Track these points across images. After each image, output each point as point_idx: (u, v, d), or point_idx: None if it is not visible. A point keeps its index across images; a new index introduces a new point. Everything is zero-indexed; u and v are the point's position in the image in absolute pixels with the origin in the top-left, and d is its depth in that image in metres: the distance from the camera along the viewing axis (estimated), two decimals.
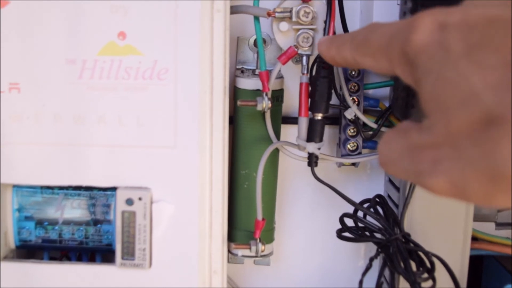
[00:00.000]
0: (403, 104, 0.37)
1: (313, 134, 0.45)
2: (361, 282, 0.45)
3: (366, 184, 0.55)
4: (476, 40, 0.22)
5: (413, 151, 0.25)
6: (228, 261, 0.50)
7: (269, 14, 0.43)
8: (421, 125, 0.25)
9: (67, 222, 0.44)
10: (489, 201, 0.23)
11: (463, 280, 0.48)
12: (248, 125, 0.48)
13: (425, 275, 0.43)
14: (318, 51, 0.36)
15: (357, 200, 0.48)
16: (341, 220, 0.47)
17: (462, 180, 0.23)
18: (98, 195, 0.44)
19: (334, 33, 0.44)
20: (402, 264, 0.44)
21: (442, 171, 0.23)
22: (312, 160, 0.46)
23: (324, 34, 0.44)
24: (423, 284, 0.43)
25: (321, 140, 0.45)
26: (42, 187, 0.44)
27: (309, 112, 0.45)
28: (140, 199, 0.42)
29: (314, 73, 0.45)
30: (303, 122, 0.45)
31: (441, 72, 0.23)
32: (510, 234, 0.52)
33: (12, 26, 0.41)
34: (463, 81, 0.22)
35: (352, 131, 0.50)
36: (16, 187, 0.44)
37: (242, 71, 0.50)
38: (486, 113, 0.21)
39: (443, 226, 0.47)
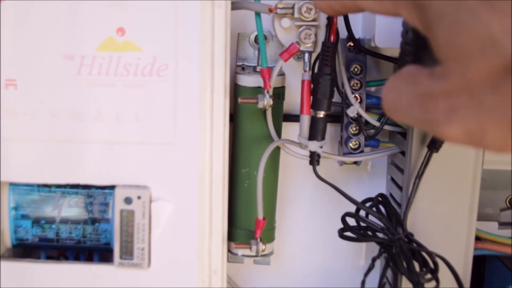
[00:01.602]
0: (411, 60, 0.36)
1: (315, 132, 0.44)
2: (363, 283, 0.45)
3: (368, 183, 0.55)
4: None
5: (425, 98, 0.25)
6: (228, 261, 0.49)
7: (270, 10, 0.43)
8: (432, 71, 0.25)
9: (64, 221, 0.43)
10: (507, 149, 0.22)
11: (466, 280, 0.47)
12: (249, 123, 0.47)
13: (429, 275, 0.43)
14: (315, 5, 0.35)
15: (359, 199, 0.47)
16: (343, 219, 0.46)
17: (480, 128, 0.22)
18: (96, 194, 0.43)
19: (337, 29, 0.43)
20: (405, 265, 0.43)
21: (458, 119, 0.23)
22: (314, 159, 0.45)
23: (326, 31, 0.43)
24: (427, 285, 0.42)
25: (323, 138, 0.44)
26: (39, 185, 0.43)
27: (311, 110, 0.44)
28: (139, 197, 0.41)
29: (316, 70, 0.44)
30: (305, 120, 0.44)
31: (456, 16, 0.23)
32: None
33: (9, 22, 0.40)
34: (481, 26, 0.22)
35: (354, 129, 0.49)
36: (13, 185, 0.43)
37: (243, 68, 0.49)
38: (505, 60, 0.21)
39: (446, 226, 0.47)
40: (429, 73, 0.25)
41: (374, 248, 0.51)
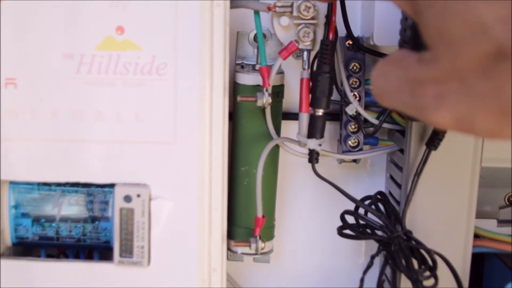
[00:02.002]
0: (411, 46, 0.37)
1: (314, 130, 0.44)
2: (362, 280, 0.45)
3: (367, 180, 0.55)
4: None
5: (414, 84, 0.25)
6: (228, 259, 0.50)
7: (269, 9, 0.43)
8: (421, 56, 0.25)
9: (64, 219, 0.44)
10: (497, 135, 0.22)
11: (465, 278, 0.47)
12: (248, 121, 0.47)
13: (427, 273, 0.43)
14: None
15: (358, 196, 0.47)
16: (342, 217, 0.47)
17: (470, 114, 0.22)
18: (96, 192, 0.43)
19: (336, 28, 0.43)
20: (403, 262, 0.43)
21: (448, 105, 0.23)
22: (313, 157, 0.45)
23: (325, 29, 0.43)
24: (425, 282, 0.42)
25: (322, 136, 0.45)
26: (39, 184, 0.43)
27: (310, 108, 0.44)
28: (138, 196, 0.41)
29: (315, 68, 0.45)
30: (304, 118, 0.44)
31: (446, 3, 0.22)
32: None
33: (9, 21, 0.40)
34: (471, 13, 0.21)
35: (353, 127, 0.49)
36: (13, 183, 0.43)
37: (242, 66, 0.49)
38: (496, 46, 0.21)
39: (445, 224, 0.47)
40: (418, 58, 0.25)
41: (373, 246, 0.51)
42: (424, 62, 0.24)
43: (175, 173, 0.42)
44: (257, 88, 0.46)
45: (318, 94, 0.43)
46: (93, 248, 0.45)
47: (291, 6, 0.43)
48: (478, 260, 0.53)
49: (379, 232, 0.46)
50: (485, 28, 0.21)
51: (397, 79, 0.26)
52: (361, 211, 0.47)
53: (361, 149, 0.50)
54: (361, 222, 0.46)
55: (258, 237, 0.47)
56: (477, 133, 0.23)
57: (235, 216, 0.49)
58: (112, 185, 0.42)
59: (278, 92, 0.47)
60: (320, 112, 0.44)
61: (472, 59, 0.22)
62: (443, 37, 0.23)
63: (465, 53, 0.22)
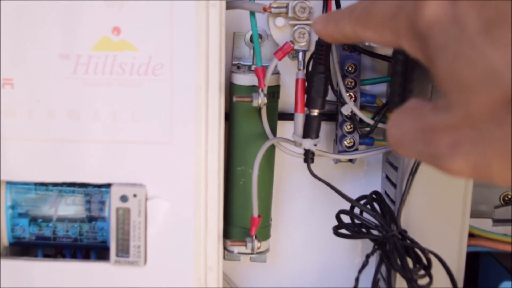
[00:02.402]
0: (400, 100, 0.37)
1: (310, 130, 0.44)
2: (357, 279, 0.45)
3: (362, 180, 0.55)
4: (490, 16, 0.21)
5: (429, 132, 0.24)
6: (224, 258, 0.50)
7: (265, 10, 0.43)
8: (435, 104, 0.24)
9: (61, 219, 0.44)
10: None
11: (460, 277, 0.47)
12: (244, 121, 0.47)
13: (422, 272, 0.43)
14: (314, 30, 0.34)
15: (354, 196, 0.48)
16: (338, 216, 0.47)
17: (485, 162, 0.22)
18: (93, 192, 0.43)
19: None
20: (398, 261, 0.44)
21: (462, 153, 0.23)
22: (308, 157, 0.46)
23: None
24: (420, 281, 0.43)
25: (317, 136, 0.45)
26: (36, 184, 0.43)
27: (306, 108, 0.44)
28: (134, 195, 0.41)
29: (310, 68, 0.45)
30: (299, 118, 0.45)
31: (457, 49, 0.22)
32: (507, 231, 0.52)
33: (6, 21, 0.40)
34: (482, 59, 0.21)
35: (348, 127, 0.50)
36: (10, 183, 0.43)
37: (238, 67, 0.50)
38: (508, 92, 0.21)
39: (440, 223, 0.47)
40: (432, 107, 0.25)
41: (369, 245, 0.51)
42: (438, 110, 0.24)
43: (171, 173, 0.42)
44: (252, 89, 0.46)
45: (314, 95, 0.44)
46: (90, 247, 0.45)
47: (287, 7, 0.43)
48: (473, 259, 0.53)
49: (374, 232, 0.46)
50: (496, 74, 0.21)
51: (411, 128, 0.25)
52: (357, 210, 0.47)
53: (356, 149, 0.50)
54: (357, 221, 0.46)
55: (254, 237, 0.48)
56: (494, 181, 0.22)
57: (231, 215, 0.49)
58: (108, 185, 0.42)
59: (273, 92, 0.48)
60: (315, 112, 0.44)
61: (485, 106, 0.21)
62: (456, 84, 0.22)
63: (477, 99, 0.22)
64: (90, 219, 0.44)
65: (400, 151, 0.27)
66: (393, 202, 0.49)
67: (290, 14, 0.43)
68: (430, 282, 0.43)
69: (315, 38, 0.44)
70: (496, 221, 0.53)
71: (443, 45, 0.23)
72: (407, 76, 0.38)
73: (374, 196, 0.48)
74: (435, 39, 0.23)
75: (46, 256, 0.46)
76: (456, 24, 0.22)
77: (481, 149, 0.22)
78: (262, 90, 0.44)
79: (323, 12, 0.43)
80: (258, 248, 0.48)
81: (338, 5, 0.47)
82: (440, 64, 0.23)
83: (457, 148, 0.23)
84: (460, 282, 0.47)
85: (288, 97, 0.51)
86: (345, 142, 0.50)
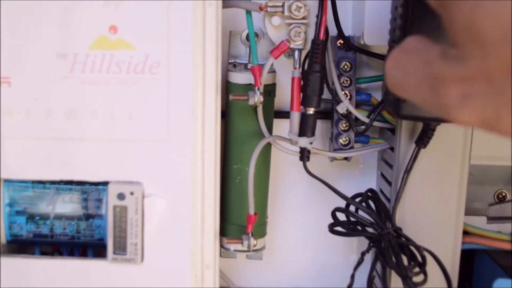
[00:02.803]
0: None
1: (305, 128, 0.45)
2: (353, 276, 0.46)
3: (358, 178, 0.55)
4: None
5: (437, 81, 0.24)
6: (221, 256, 0.50)
7: (261, 9, 0.43)
8: (445, 52, 0.24)
9: (58, 217, 0.44)
10: None
11: (454, 274, 0.48)
12: (240, 120, 0.48)
13: (417, 269, 0.44)
14: None
15: (350, 194, 0.48)
16: (333, 214, 0.47)
17: (496, 115, 0.22)
18: (90, 190, 0.44)
19: (327, 27, 0.44)
20: (393, 259, 0.44)
21: (473, 105, 0.23)
22: (304, 155, 0.46)
23: (316, 29, 0.44)
24: (415, 278, 0.43)
25: (313, 134, 0.45)
26: (33, 182, 0.43)
27: (301, 107, 0.45)
28: (131, 193, 0.42)
29: (306, 67, 0.45)
30: (295, 116, 0.45)
31: (479, 1, 0.22)
32: (501, 228, 0.53)
33: (3, 20, 0.40)
34: (506, 14, 0.21)
35: (344, 125, 0.50)
36: (7, 181, 0.43)
37: (234, 65, 0.50)
38: None
39: (434, 221, 0.48)
40: (441, 53, 0.24)
41: (365, 242, 0.51)
42: (449, 59, 0.24)
43: (168, 171, 0.42)
44: (249, 87, 0.46)
45: (309, 93, 0.44)
46: (87, 245, 0.45)
47: (283, 6, 0.44)
48: (468, 257, 0.53)
49: (369, 229, 0.46)
50: None
51: (417, 73, 0.25)
52: (352, 208, 0.47)
53: (352, 147, 0.50)
54: (352, 219, 0.47)
55: (250, 234, 0.48)
56: (503, 133, 0.23)
57: (228, 213, 0.50)
58: (105, 183, 0.42)
59: (270, 90, 0.48)
60: (311, 110, 0.44)
61: (503, 61, 0.21)
62: (474, 36, 0.22)
63: (496, 55, 0.21)
64: (87, 216, 0.44)
65: (401, 94, 0.26)
66: (388, 200, 0.49)
67: (286, 13, 0.44)
68: (425, 280, 0.43)
69: (311, 36, 0.44)
70: (491, 219, 0.54)
71: None
72: (406, 30, 0.36)
73: (369, 194, 0.48)
74: None
75: (44, 253, 0.46)
76: None
77: (494, 103, 0.22)
78: (258, 89, 0.44)
79: (318, 12, 0.43)
80: (255, 246, 0.48)
81: (333, 5, 0.47)
82: (458, 13, 0.23)
83: (468, 100, 0.23)
84: (454, 279, 0.48)
85: (284, 96, 0.52)
86: (340, 140, 0.50)
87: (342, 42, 0.49)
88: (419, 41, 0.25)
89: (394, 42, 0.38)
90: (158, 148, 0.42)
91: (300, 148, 0.46)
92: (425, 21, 0.34)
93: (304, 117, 0.45)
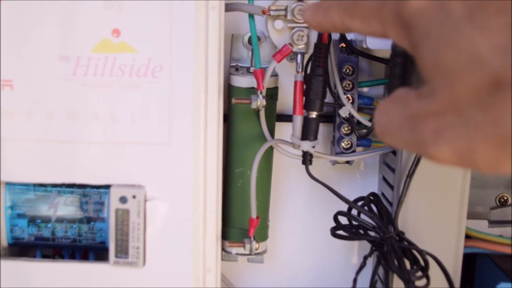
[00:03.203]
0: (400, 83, 0.37)
1: (308, 132, 0.45)
2: (355, 281, 0.45)
3: (360, 182, 0.55)
4: (476, 2, 0.21)
5: (414, 119, 0.24)
6: (222, 259, 0.50)
7: (264, 12, 0.43)
8: (420, 92, 0.24)
9: (60, 220, 0.44)
10: (497, 168, 0.22)
11: (456, 278, 0.48)
12: (243, 123, 0.48)
13: (419, 273, 0.44)
14: (303, 19, 0.34)
15: (351, 198, 0.48)
16: (335, 218, 0.47)
17: (469, 147, 0.22)
18: (92, 193, 0.44)
19: None
20: (396, 263, 0.44)
21: (446, 139, 0.23)
22: (307, 158, 0.46)
23: (319, 32, 0.44)
24: (417, 283, 0.43)
25: (315, 138, 0.45)
26: (35, 185, 0.43)
27: (304, 110, 0.45)
28: (134, 197, 0.42)
29: (309, 71, 0.45)
30: (298, 120, 0.45)
31: (442, 35, 0.22)
32: (503, 232, 0.53)
33: (6, 23, 0.40)
34: (467, 44, 0.21)
35: (346, 129, 0.50)
36: (9, 184, 0.43)
37: (237, 69, 0.50)
38: (493, 76, 0.21)
39: (437, 224, 0.47)
40: (417, 94, 0.25)
41: (366, 246, 0.51)
42: (423, 97, 0.24)
43: (170, 174, 0.42)
44: (251, 91, 0.46)
45: (312, 97, 0.44)
46: (88, 248, 0.45)
47: (285, 9, 0.44)
48: (470, 261, 0.53)
49: (371, 233, 0.46)
50: (482, 58, 0.21)
51: (397, 116, 0.25)
52: (354, 212, 0.47)
53: (354, 151, 0.50)
54: (354, 223, 0.47)
55: (252, 238, 0.48)
56: (478, 167, 0.22)
57: (230, 217, 0.49)
58: (107, 186, 0.42)
59: (272, 94, 0.48)
60: (313, 114, 0.44)
61: (469, 90, 0.21)
62: (440, 69, 0.22)
63: (461, 84, 0.21)
64: (89, 220, 0.44)
65: (386, 140, 0.26)
66: (390, 203, 0.49)
67: (288, 17, 0.44)
68: (428, 284, 0.43)
69: (313, 40, 0.44)
70: (492, 223, 0.54)
71: (427, 31, 0.23)
72: (406, 68, 0.37)
73: (371, 197, 0.48)
74: (420, 27, 0.23)
75: (45, 256, 0.46)
76: (441, 11, 0.22)
77: (465, 135, 0.22)
78: (261, 92, 0.44)
79: None
80: (257, 249, 0.48)
81: None
82: (424, 50, 0.23)
83: (442, 134, 0.23)
84: (456, 283, 0.48)
85: (286, 99, 0.52)
86: (342, 144, 0.50)
87: (344, 45, 0.49)
88: (403, 90, 0.26)
89: (395, 67, 0.38)
90: (160, 151, 0.42)
91: (303, 151, 0.46)
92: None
93: (306, 121, 0.45)
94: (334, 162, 0.52)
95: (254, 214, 0.47)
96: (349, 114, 0.49)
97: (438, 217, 0.47)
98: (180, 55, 0.41)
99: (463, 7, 0.22)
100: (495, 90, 0.21)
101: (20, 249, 0.46)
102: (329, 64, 0.46)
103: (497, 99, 0.21)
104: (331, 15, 0.30)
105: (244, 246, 0.48)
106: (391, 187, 0.50)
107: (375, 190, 0.54)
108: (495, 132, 0.21)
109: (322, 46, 0.43)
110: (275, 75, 0.48)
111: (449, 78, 0.22)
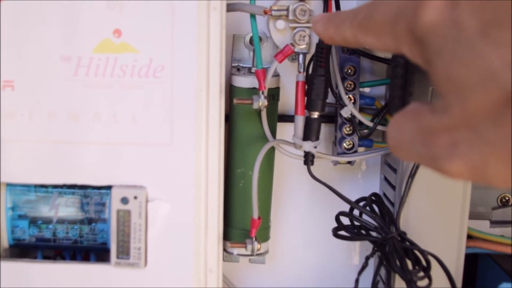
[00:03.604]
0: (401, 103, 0.37)
1: (310, 132, 0.45)
2: (357, 281, 0.45)
3: (361, 182, 0.55)
4: (489, 18, 0.21)
5: (427, 134, 0.24)
6: (224, 260, 0.50)
7: (265, 12, 0.43)
8: (433, 106, 0.25)
9: (61, 221, 0.44)
10: (510, 183, 0.22)
11: (458, 278, 0.48)
12: (244, 124, 0.48)
13: (421, 273, 0.43)
14: (314, 30, 0.34)
15: (353, 198, 0.48)
16: (337, 218, 0.47)
17: (482, 163, 0.22)
18: (93, 194, 0.43)
19: None
20: (398, 263, 0.44)
21: (460, 154, 0.23)
22: (308, 159, 0.46)
23: None
24: (419, 283, 0.43)
25: (317, 138, 0.45)
26: (36, 186, 0.43)
27: (306, 111, 0.45)
28: (135, 197, 0.41)
29: (310, 71, 0.45)
30: (300, 120, 0.45)
31: (455, 51, 0.22)
32: (504, 232, 0.53)
33: (7, 23, 0.40)
34: (480, 60, 0.21)
35: (348, 129, 0.50)
36: (10, 185, 0.43)
37: (238, 69, 0.50)
38: (506, 92, 0.21)
39: (438, 225, 0.47)
40: (431, 109, 0.25)
41: (368, 247, 0.51)
42: (436, 111, 0.24)
43: (171, 175, 0.42)
44: (253, 91, 0.46)
45: (314, 97, 0.44)
46: (89, 249, 0.45)
47: (287, 9, 0.43)
48: (472, 261, 0.53)
49: (373, 233, 0.46)
50: (494, 74, 0.21)
51: (410, 131, 0.25)
52: (356, 212, 0.47)
53: (355, 151, 0.50)
54: (356, 223, 0.47)
55: (254, 238, 0.48)
56: (491, 182, 0.23)
57: (231, 217, 0.49)
58: (108, 187, 0.42)
59: (274, 94, 0.48)
60: (315, 114, 0.44)
61: (482, 106, 0.21)
62: (453, 85, 0.23)
63: (474, 100, 0.22)
64: (90, 221, 0.44)
65: (399, 155, 0.27)
66: (392, 204, 0.49)
67: (290, 17, 0.44)
68: (430, 284, 0.43)
69: (315, 40, 0.44)
70: (494, 223, 0.54)
71: (441, 47, 0.23)
72: (407, 78, 0.38)
73: (373, 198, 0.48)
74: (433, 43, 0.24)
75: (46, 258, 0.46)
76: (455, 27, 0.22)
77: (478, 150, 0.22)
78: (263, 92, 0.44)
79: None
80: (258, 250, 0.48)
81: (338, 8, 0.47)
82: (438, 66, 0.23)
83: (455, 149, 0.23)
84: (458, 283, 0.48)
85: (288, 99, 0.52)
86: (344, 144, 0.50)
87: None
88: (416, 104, 0.26)
89: (396, 78, 0.38)
90: (161, 152, 0.42)
91: (305, 152, 0.45)
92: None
93: (308, 121, 0.44)
94: (336, 163, 0.52)
95: (255, 215, 0.47)
96: (351, 114, 0.49)
97: (440, 217, 0.47)
98: (181, 55, 0.41)
99: (476, 23, 0.22)
100: (507, 106, 0.21)
101: (21, 250, 0.46)
102: (330, 64, 0.46)
103: (509, 115, 0.21)
104: (343, 30, 0.30)
105: (245, 247, 0.48)
106: (393, 187, 0.50)
107: (377, 190, 0.54)
108: (507, 148, 0.21)
109: (323, 46, 0.43)
110: (276, 75, 0.48)
111: (463, 94, 0.22)
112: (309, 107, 0.44)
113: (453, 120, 0.23)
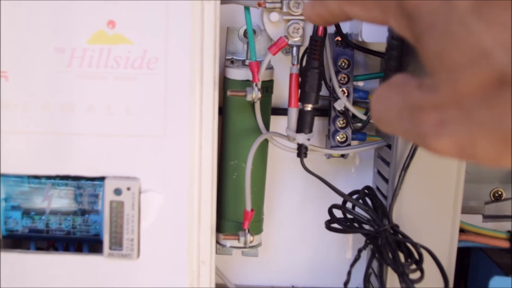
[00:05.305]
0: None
1: (303, 125, 0.45)
2: (349, 273, 0.46)
3: (354, 175, 0.55)
4: None
5: (415, 110, 0.24)
6: (217, 253, 0.50)
7: (259, 5, 0.43)
8: (421, 82, 0.24)
9: (54, 212, 0.44)
10: (498, 162, 0.22)
11: (450, 271, 0.48)
12: (238, 116, 0.48)
13: (413, 266, 0.44)
14: (304, 16, 0.34)
15: (346, 191, 0.48)
16: (330, 211, 0.47)
17: (471, 141, 0.22)
18: (86, 185, 0.43)
19: None
20: (390, 255, 0.44)
21: (448, 133, 0.23)
22: (302, 151, 0.46)
23: (314, 25, 0.44)
24: (411, 276, 0.43)
25: (310, 131, 0.45)
26: (29, 177, 0.43)
27: (299, 103, 0.45)
28: (128, 189, 0.42)
29: (304, 64, 0.45)
30: (293, 113, 0.45)
31: (447, 28, 0.22)
32: (497, 226, 0.53)
33: (1, 14, 0.40)
34: (472, 38, 0.21)
35: (341, 122, 0.50)
36: (3, 176, 0.43)
37: (232, 62, 0.50)
38: (497, 73, 0.21)
39: (431, 218, 0.48)
40: (418, 84, 0.24)
41: (360, 240, 0.51)
42: (424, 88, 0.24)
43: (165, 166, 0.42)
44: (246, 83, 0.46)
45: (307, 89, 0.44)
46: (82, 240, 0.45)
47: (281, 2, 0.43)
48: (464, 254, 0.53)
49: (366, 226, 0.46)
50: (486, 54, 0.21)
51: (397, 105, 0.25)
52: (349, 205, 0.47)
53: (349, 144, 0.50)
54: (349, 216, 0.47)
55: (246, 231, 0.48)
56: (479, 160, 0.22)
57: (224, 209, 0.49)
58: (102, 178, 0.42)
59: (267, 87, 0.48)
60: (309, 107, 0.44)
61: (473, 85, 0.21)
62: (443, 63, 0.22)
63: (465, 79, 0.21)
64: (83, 212, 0.44)
65: (383, 128, 0.26)
66: (385, 197, 0.50)
67: (284, 9, 0.44)
68: (422, 277, 0.43)
69: (309, 33, 0.44)
70: (486, 217, 0.54)
71: (431, 23, 0.23)
72: (402, 61, 0.37)
73: (366, 191, 0.48)
74: (423, 18, 0.23)
75: (39, 249, 0.46)
76: (446, 3, 0.22)
77: (468, 129, 0.22)
78: (256, 85, 0.44)
79: None
80: (251, 242, 0.48)
81: None
82: (428, 42, 0.23)
83: (443, 127, 0.23)
84: (451, 276, 0.48)
85: (281, 92, 0.52)
86: (337, 137, 0.50)
87: (340, 39, 0.49)
88: (402, 76, 0.26)
89: (391, 49, 0.38)
90: (155, 144, 0.42)
91: (298, 144, 0.46)
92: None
93: (302, 113, 0.45)
94: (329, 156, 0.52)
95: (248, 207, 0.47)
96: (344, 107, 0.49)
97: (432, 211, 0.47)
98: (175, 47, 0.41)
99: (469, 1, 0.21)
100: (499, 86, 0.21)
101: (14, 241, 0.46)
102: (324, 58, 0.46)
103: (500, 95, 0.21)
104: (329, 4, 0.30)
105: (238, 239, 0.48)
106: (386, 180, 0.50)
107: (370, 183, 0.55)
108: (497, 128, 0.21)
109: (317, 39, 0.43)
110: (270, 68, 0.48)
111: (453, 72, 0.22)
112: (302, 99, 0.44)
113: (442, 99, 0.23)
